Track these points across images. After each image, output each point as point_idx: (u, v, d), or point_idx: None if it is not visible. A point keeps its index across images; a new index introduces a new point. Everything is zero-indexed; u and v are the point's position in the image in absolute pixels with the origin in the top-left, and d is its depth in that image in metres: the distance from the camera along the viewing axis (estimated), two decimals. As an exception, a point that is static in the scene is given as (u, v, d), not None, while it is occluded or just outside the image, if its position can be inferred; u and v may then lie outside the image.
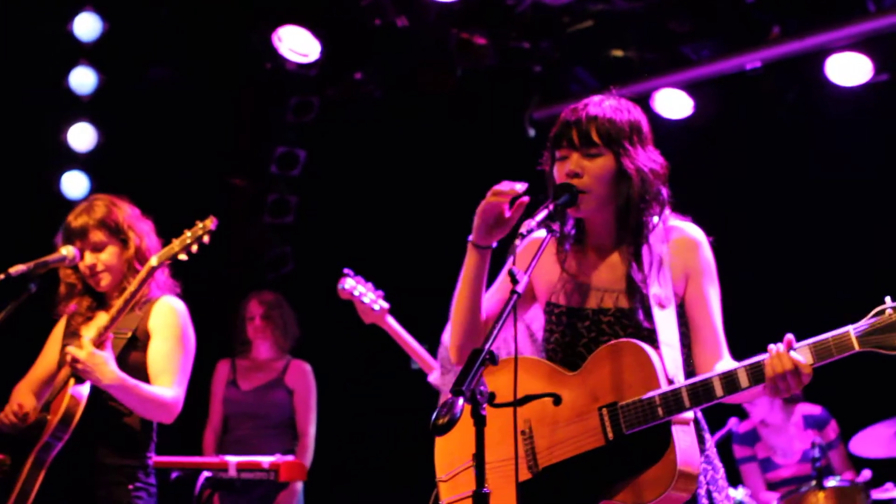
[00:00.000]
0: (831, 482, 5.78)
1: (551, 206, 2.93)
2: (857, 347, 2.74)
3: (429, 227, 7.32)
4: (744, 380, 2.81)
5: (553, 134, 3.08)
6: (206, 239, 3.96)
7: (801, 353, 2.78)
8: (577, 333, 3.06)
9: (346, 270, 5.29)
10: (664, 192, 3.06)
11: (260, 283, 7.36)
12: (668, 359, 2.92)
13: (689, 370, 3.04)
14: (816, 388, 6.29)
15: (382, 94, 7.63)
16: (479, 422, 2.63)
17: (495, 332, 2.69)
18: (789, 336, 2.80)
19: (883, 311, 2.74)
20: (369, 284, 5.24)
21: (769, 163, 6.95)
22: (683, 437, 2.85)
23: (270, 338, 6.56)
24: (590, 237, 3.11)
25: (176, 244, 3.98)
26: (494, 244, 3.08)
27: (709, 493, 2.99)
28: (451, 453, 3.10)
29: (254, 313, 6.58)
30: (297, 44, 7.26)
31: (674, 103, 7.01)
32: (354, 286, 5.19)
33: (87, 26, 7.21)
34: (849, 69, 6.54)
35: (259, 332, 6.56)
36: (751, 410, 6.47)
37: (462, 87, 7.40)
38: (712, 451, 3.08)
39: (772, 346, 2.80)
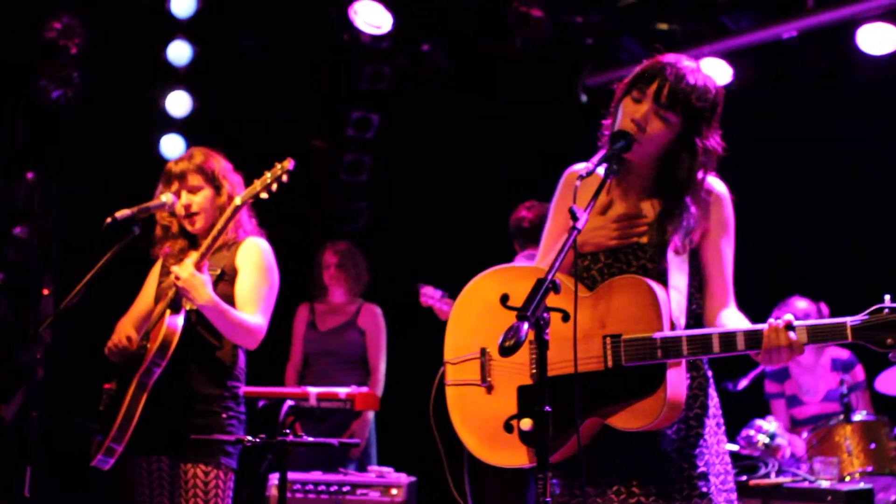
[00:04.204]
0: (858, 416, 5.76)
1: (608, 151, 2.92)
2: (849, 338, 2.75)
3: (488, 184, 7.37)
4: (740, 343, 2.82)
5: (641, 71, 2.99)
6: (284, 178, 3.90)
7: (797, 332, 2.78)
8: (595, 259, 3.04)
9: (420, 285, 5.96)
10: (713, 167, 3.03)
11: (337, 235, 7.42)
12: (673, 301, 2.92)
13: (696, 312, 3.06)
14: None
15: (448, 63, 7.64)
16: (542, 345, 2.63)
17: (557, 263, 2.68)
18: (789, 317, 2.80)
19: (880, 310, 2.73)
20: (439, 291, 5.88)
21: (802, 128, 6.87)
22: (675, 377, 2.85)
23: (344, 284, 6.62)
24: (631, 175, 3.07)
25: (257, 184, 3.94)
26: None
27: (697, 415, 3.01)
28: (461, 338, 3.07)
29: (329, 262, 6.64)
30: (371, 17, 7.26)
31: (714, 71, 6.94)
32: (428, 294, 5.90)
33: (182, 4, 7.29)
34: (878, 39, 6.41)
35: (334, 279, 6.62)
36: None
37: (520, 57, 7.39)
38: (712, 389, 3.09)
39: (772, 321, 2.79)
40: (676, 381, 2.86)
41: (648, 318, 2.86)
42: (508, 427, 2.95)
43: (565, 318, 2.78)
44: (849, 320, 2.75)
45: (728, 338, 2.83)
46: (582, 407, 2.85)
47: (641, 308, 2.88)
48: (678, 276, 2.98)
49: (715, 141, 2.99)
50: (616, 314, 2.90)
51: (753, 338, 2.81)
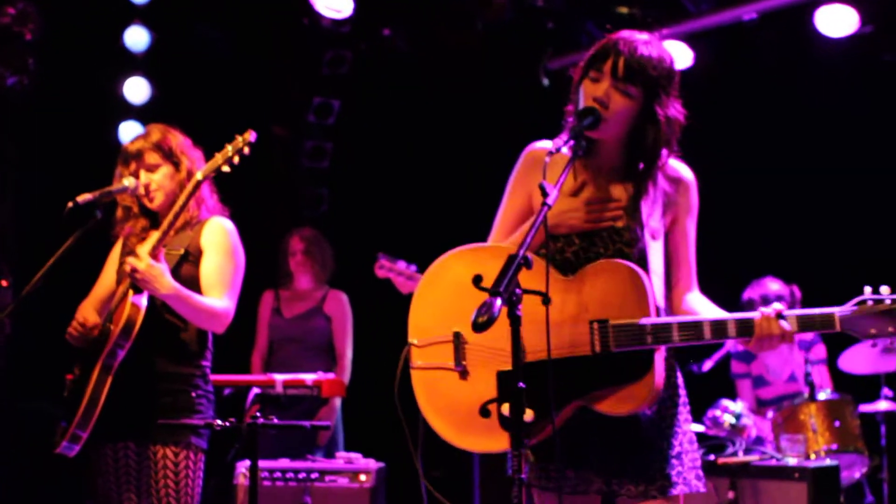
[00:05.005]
0: (822, 395, 5.84)
1: (576, 127, 2.91)
2: (837, 328, 2.82)
3: (450, 168, 7.37)
4: (732, 330, 2.87)
5: (595, 51, 2.98)
6: (246, 150, 3.84)
7: (787, 321, 2.83)
8: (569, 241, 3.01)
9: (379, 255, 5.62)
10: (676, 140, 3.02)
11: (298, 221, 7.39)
12: (655, 287, 2.92)
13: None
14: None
15: (409, 48, 7.63)
16: (515, 322, 2.60)
17: (528, 239, 2.64)
18: (779, 306, 2.86)
19: (864, 301, 2.81)
20: (400, 262, 5.55)
21: (763, 109, 6.93)
22: (660, 361, 2.87)
23: (310, 271, 6.58)
24: (601, 157, 3.05)
25: (219, 157, 3.87)
26: None
27: (670, 396, 3.03)
28: (428, 319, 3.01)
29: (295, 249, 6.59)
30: (331, 1, 7.20)
31: (674, 55, 6.95)
32: (387, 266, 5.56)
33: (139, -12, 7.26)
34: (836, 20, 6.49)
35: (300, 266, 6.58)
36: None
37: (482, 40, 7.40)
38: (679, 371, 3.12)
39: (764, 310, 2.84)
40: (661, 365, 2.87)
41: (635, 304, 2.85)
42: (485, 412, 2.90)
43: (545, 301, 2.70)
44: (837, 311, 2.81)
45: (719, 325, 2.86)
46: (567, 391, 2.82)
47: (626, 293, 2.86)
48: (657, 261, 2.98)
49: (676, 110, 2.99)
50: (600, 298, 2.87)
51: (744, 325, 2.85)
